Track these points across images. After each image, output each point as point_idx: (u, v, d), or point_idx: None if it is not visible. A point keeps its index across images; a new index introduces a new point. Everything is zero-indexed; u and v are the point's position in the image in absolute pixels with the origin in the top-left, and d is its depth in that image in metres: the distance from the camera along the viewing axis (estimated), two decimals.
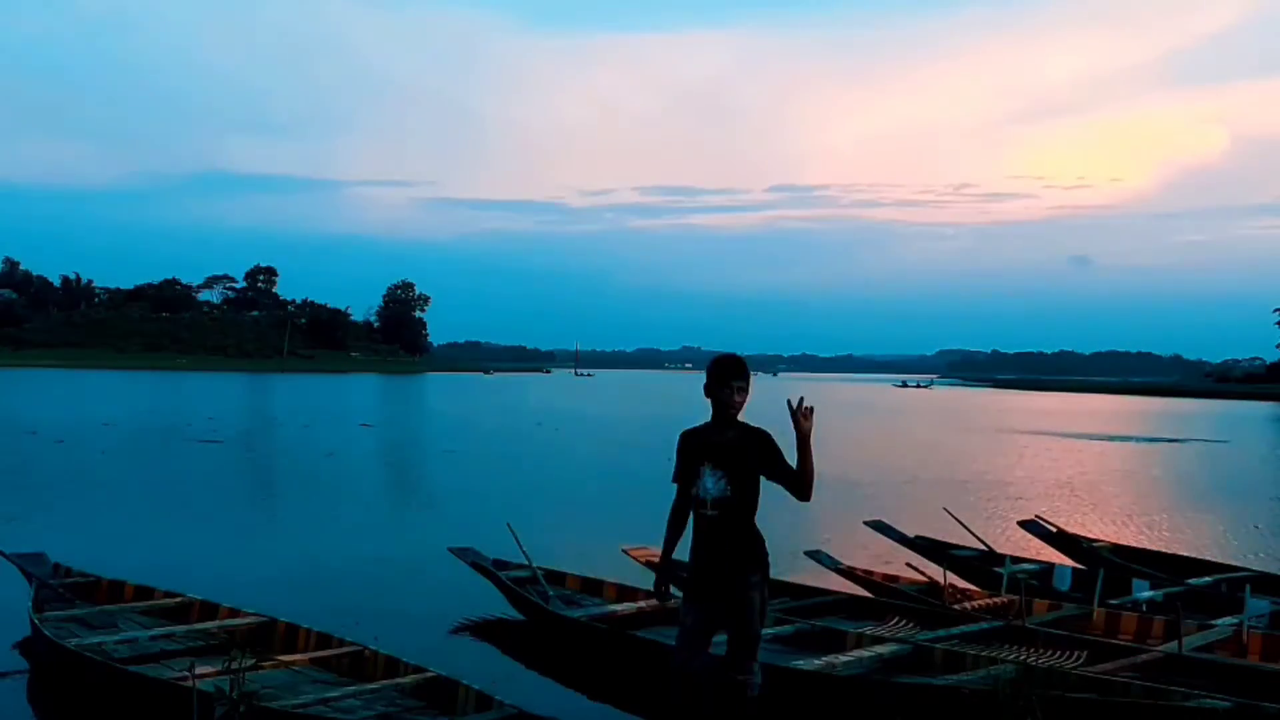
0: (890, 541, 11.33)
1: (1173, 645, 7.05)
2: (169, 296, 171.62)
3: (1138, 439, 38.99)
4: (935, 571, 9.15)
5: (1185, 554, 11.10)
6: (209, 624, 7.59)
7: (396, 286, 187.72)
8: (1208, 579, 9.77)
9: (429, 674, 6.35)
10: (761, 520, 5.24)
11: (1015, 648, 7.40)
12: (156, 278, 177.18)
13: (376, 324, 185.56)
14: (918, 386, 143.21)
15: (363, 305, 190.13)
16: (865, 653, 7.11)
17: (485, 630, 9.00)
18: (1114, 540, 11.73)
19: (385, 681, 6.37)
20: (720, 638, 5.29)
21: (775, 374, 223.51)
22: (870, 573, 9.94)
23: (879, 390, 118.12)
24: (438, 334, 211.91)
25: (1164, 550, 11.29)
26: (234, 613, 7.74)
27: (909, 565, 9.65)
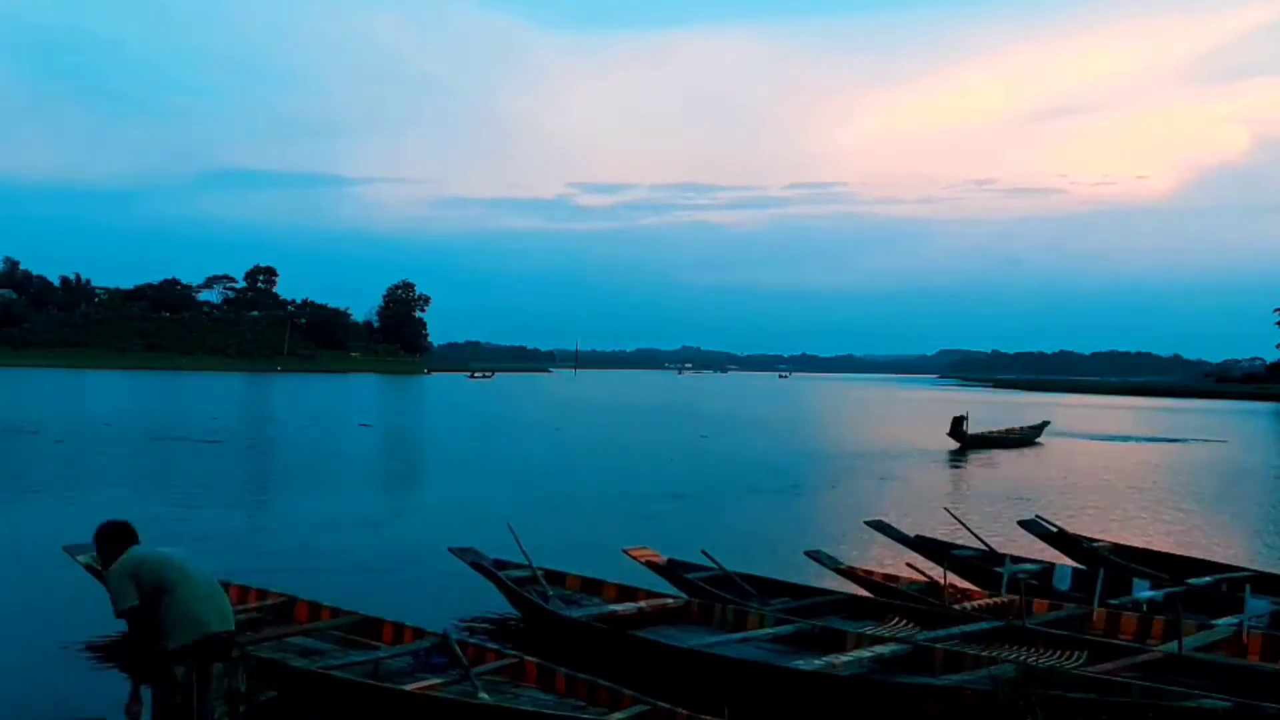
0: (890, 541, 11.33)
1: (1173, 645, 7.05)
2: (169, 296, 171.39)
3: (1137, 439, 38.99)
4: (935, 571, 9.15)
5: (1185, 554, 11.11)
6: None
7: (397, 286, 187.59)
8: (1208, 579, 9.77)
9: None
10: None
11: (1015, 648, 7.40)
12: (156, 277, 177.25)
13: (377, 324, 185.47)
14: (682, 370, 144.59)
15: (363, 305, 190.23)
16: (865, 653, 7.11)
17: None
18: (1114, 540, 11.72)
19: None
20: None
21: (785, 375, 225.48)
22: (870, 573, 9.95)
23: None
24: (438, 334, 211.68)
25: (1164, 550, 11.29)
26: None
27: (909, 565, 9.66)
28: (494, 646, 7.12)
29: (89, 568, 8.51)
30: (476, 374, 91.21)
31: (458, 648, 6.68)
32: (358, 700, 6.31)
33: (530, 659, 6.78)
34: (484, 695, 6.19)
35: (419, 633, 7.26)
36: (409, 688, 6.28)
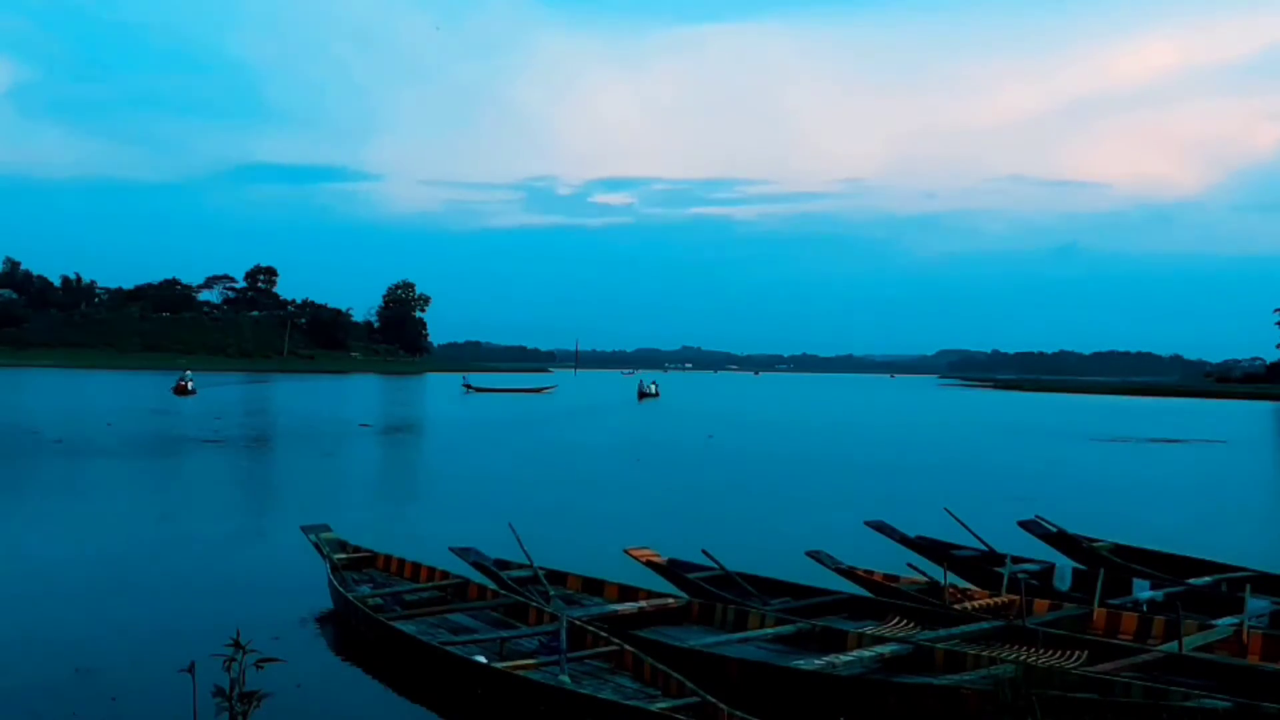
0: (890, 541, 11.34)
1: (1173, 645, 7.06)
2: (169, 296, 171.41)
3: (1137, 439, 38.99)
4: (935, 571, 9.16)
5: (1185, 554, 11.10)
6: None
7: (397, 286, 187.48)
8: (1208, 579, 9.77)
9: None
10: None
11: (1016, 648, 7.41)
12: (157, 277, 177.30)
13: (377, 324, 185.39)
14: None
15: (364, 305, 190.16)
16: (865, 653, 7.12)
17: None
18: (1114, 540, 11.73)
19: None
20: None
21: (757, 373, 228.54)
22: (871, 573, 9.95)
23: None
24: (438, 334, 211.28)
25: (1164, 550, 11.29)
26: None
27: (909, 565, 9.67)
28: (604, 634, 7.37)
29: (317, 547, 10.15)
30: (183, 383, 60.68)
31: (564, 632, 6.91)
32: (451, 671, 6.97)
33: (629, 649, 7.06)
34: (564, 679, 6.47)
35: (553, 618, 7.69)
36: (499, 666, 6.78)
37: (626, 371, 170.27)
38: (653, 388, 75.76)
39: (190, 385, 59.42)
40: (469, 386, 74.23)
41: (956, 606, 8.54)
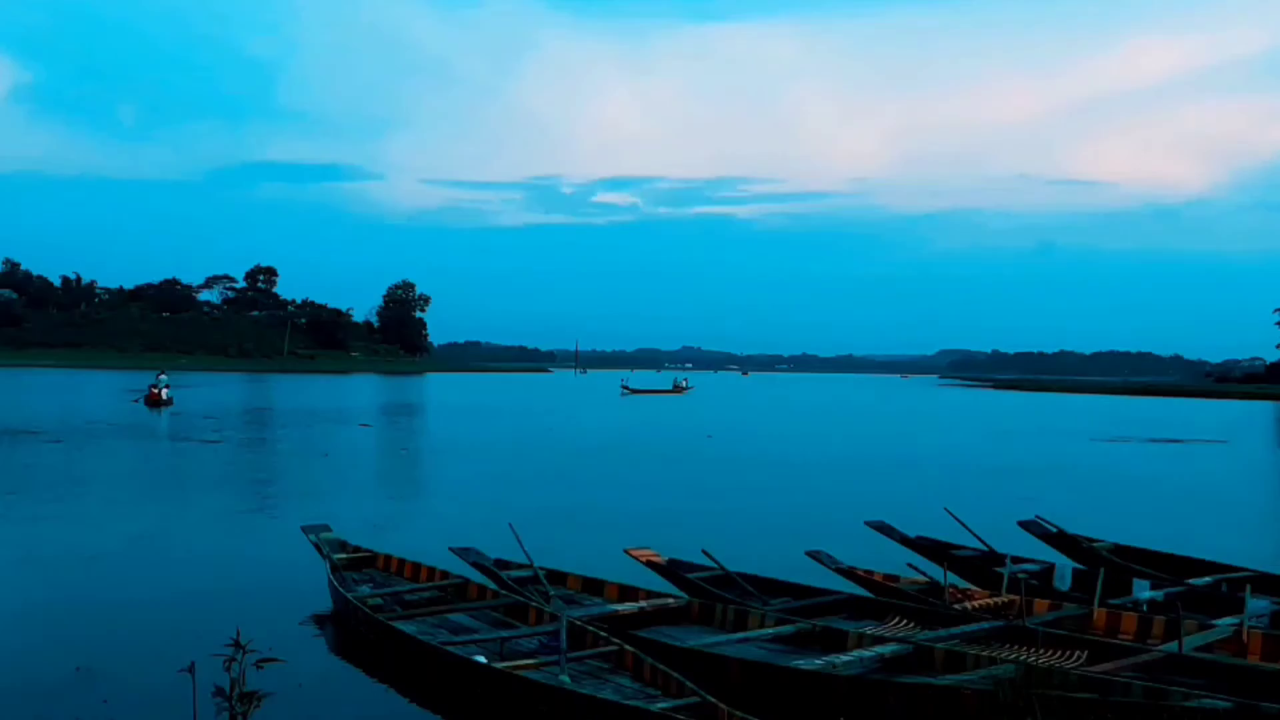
0: (890, 541, 11.34)
1: (1173, 645, 7.06)
2: (169, 296, 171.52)
3: (1138, 439, 38.99)
4: (935, 571, 9.16)
5: (1185, 554, 11.11)
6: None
7: (397, 286, 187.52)
8: (1208, 579, 9.77)
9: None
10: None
11: (1016, 648, 7.41)
12: (158, 276, 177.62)
13: (377, 324, 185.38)
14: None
15: (364, 305, 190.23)
16: (866, 653, 7.12)
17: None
18: (1115, 540, 11.73)
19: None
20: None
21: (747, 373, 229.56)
22: (871, 573, 9.95)
23: None
24: (438, 334, 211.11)
25: (1164, 550, 11.29)
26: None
27: (909, 565, 9.66)
28: (604, 634, 7.38)
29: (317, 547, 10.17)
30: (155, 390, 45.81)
31: (564, 632, 6.87)
32: (451, 671, 7.00)
33: (629, 649, 7.05)
34: (564, 679, 6.48)
35: (553, 618, 7.69)
36: (499, 666, 6.79)
37: (580, 370, 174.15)
38: (685, 383, 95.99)
39: (165, 393, 45.73)
40: (626, 388, 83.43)
41: (956, 606, 8.53)
